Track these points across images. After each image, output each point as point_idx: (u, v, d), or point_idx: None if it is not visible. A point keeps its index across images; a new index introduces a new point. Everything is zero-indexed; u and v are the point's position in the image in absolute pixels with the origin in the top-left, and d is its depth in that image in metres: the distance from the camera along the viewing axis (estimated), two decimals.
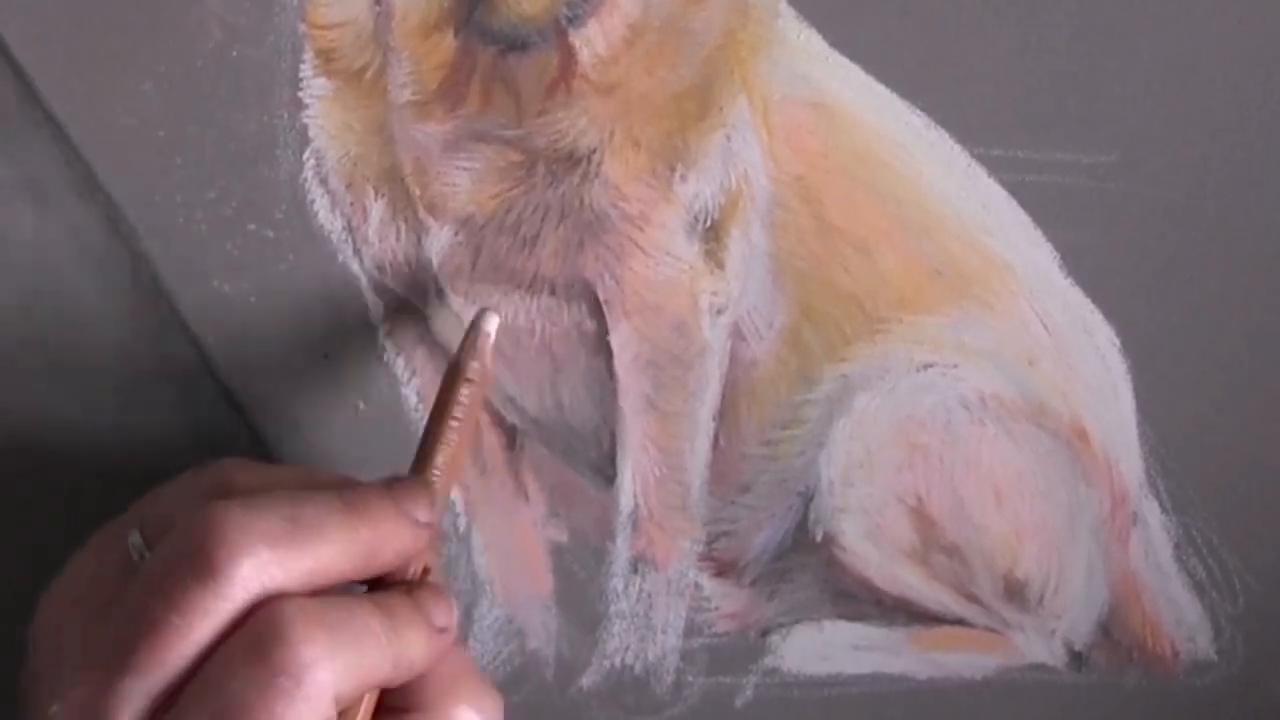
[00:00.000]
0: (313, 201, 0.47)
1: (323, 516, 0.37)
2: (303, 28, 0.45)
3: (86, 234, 0.47)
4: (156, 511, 0.40)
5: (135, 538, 0.39)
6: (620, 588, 0.50)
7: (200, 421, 0.50)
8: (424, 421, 0.44)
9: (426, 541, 0.40)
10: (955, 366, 0.47)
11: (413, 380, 0.49)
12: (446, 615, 0.40)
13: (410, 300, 0.48)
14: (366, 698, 0.38)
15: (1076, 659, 0.51)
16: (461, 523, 0.51)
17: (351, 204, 0.47)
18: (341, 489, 0.39)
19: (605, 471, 0.49)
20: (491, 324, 0.45)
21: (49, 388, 0.49)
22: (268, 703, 0.34)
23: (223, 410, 0.50)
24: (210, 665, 0.35)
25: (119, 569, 0.38)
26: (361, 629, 0.36)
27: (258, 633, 0.35)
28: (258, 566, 0.35)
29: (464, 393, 0.43)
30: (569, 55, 0.44)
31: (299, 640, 0.35)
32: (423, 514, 0.40)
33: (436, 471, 0.42)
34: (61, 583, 0.40)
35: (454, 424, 0.43)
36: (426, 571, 0.41)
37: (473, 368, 0.44)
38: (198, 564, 0.35)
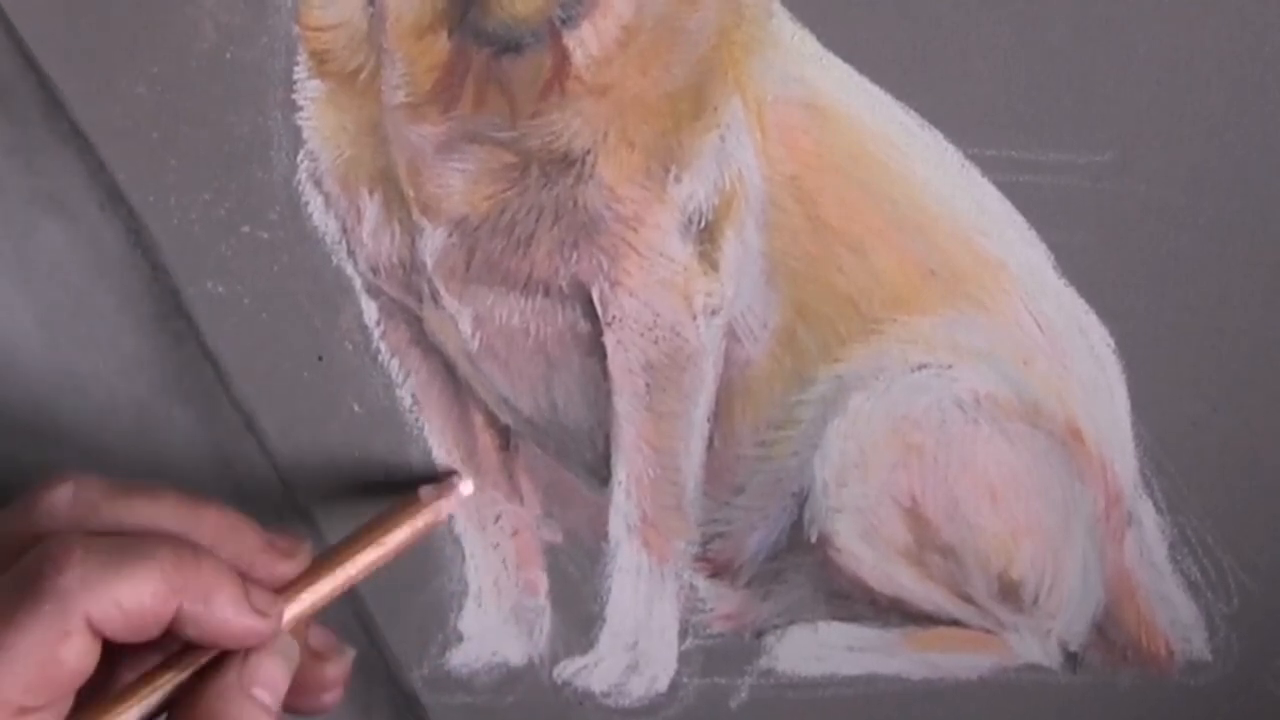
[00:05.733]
0: (307, 203, 0.47)
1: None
2: (296, 29, 0.45)
3: (107, 247, 0.47)
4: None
5: None
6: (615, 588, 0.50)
7: (218, 440, 0.50)
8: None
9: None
10: (950, 366, 0.47)
11: (407, 382, 0.49)
12: (266, 601, 0.41)
13: (404, 302, 0.48)
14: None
15: (1071, 659, 0.51)
16: (456, 524, 0.51)
17: (346, 206, 0.47)
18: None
19: (600, 472, 0.49)
20: (468, 488, 0.48)
21: (69, 405, 0.49)
22: (9, 604, 0.37)
23: (239, 428, 0.50)
24: None
25: None
26: (138, 558, 0.38)
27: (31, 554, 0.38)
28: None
29: (412, 525, 0.46)
30: (562, 56, 0.44)
31: (52, 556, 0.38)
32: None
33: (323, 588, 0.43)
34: None
35: (377, 549, 0.45)
36: None
37: (438, 506, 0.47)
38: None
